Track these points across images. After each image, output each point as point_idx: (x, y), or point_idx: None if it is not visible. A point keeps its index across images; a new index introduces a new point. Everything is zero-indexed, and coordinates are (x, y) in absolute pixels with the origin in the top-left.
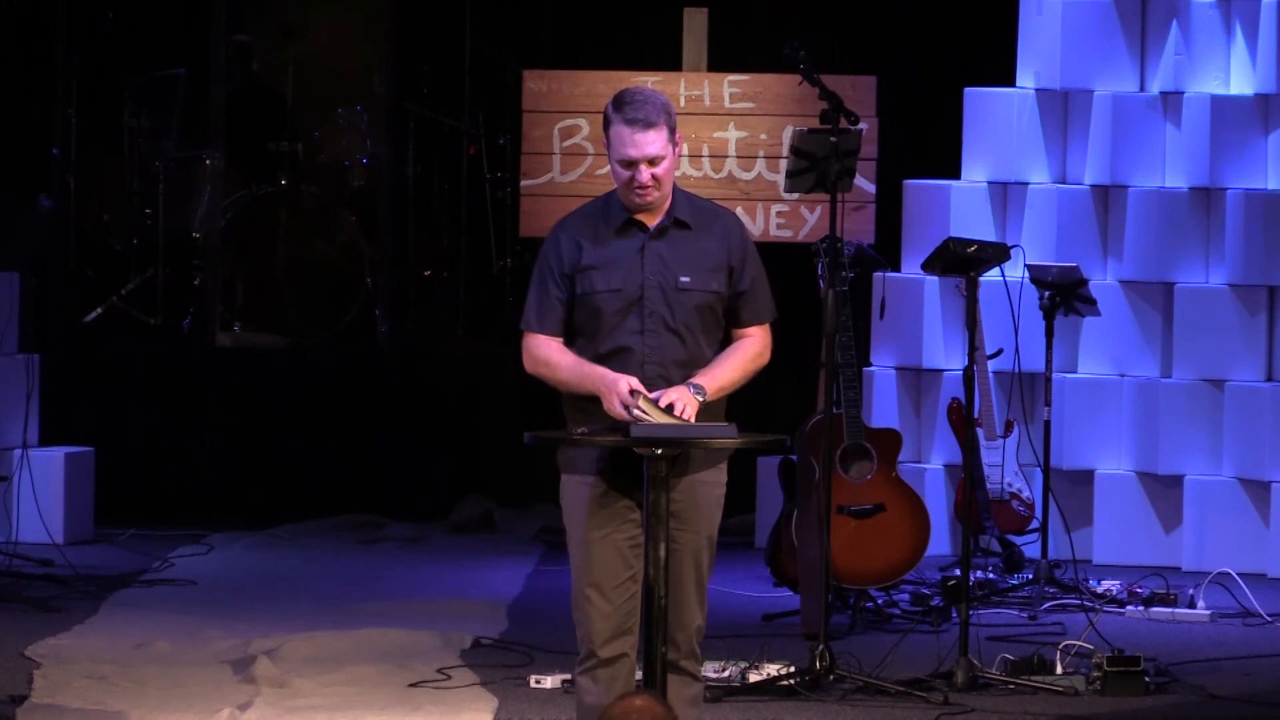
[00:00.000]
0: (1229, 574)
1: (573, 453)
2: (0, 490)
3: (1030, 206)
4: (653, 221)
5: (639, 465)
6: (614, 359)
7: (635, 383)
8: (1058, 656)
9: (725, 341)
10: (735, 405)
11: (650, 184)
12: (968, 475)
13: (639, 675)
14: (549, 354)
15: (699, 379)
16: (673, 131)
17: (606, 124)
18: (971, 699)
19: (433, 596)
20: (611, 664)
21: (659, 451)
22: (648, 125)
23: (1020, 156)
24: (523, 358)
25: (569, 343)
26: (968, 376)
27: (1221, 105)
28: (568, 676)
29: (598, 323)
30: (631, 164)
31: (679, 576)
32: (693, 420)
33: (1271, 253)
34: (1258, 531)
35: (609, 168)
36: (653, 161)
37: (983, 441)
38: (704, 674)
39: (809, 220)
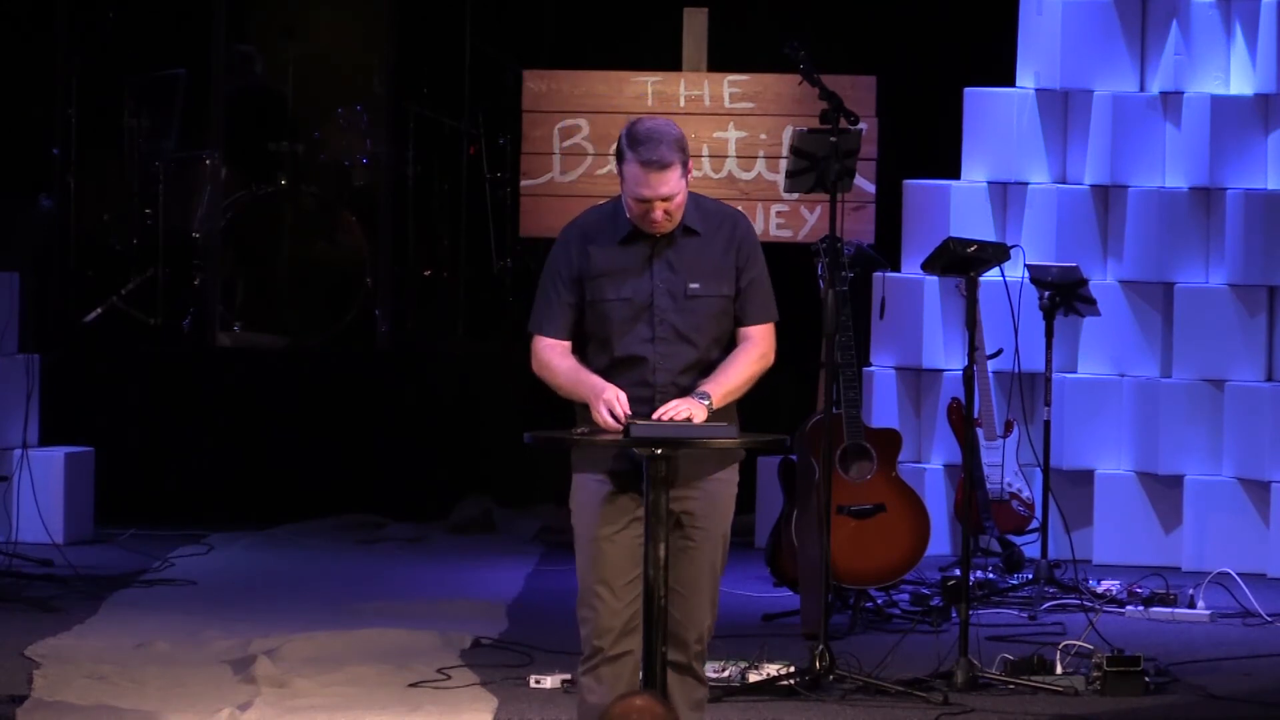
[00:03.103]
0: (1229, 574)
1: (585, 452)
2: (0, 490)
3: (1030, 206)
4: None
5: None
6: (626, 366)
7: (623, 400)
8: (1058, 656)
9: (735, 342)
10: (736, 405)
11: (664, 219)
12: (968, 475)
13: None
14: (550, 358)
15: (705, 386)
16: (686, 164)
17: (620, 157)
18: (971, 699)
19: (433, 596)
20: (617, 661)
21: (659, 451)
22: (663, 166)
23: (1020, 156)
24: (531, 360)
25: (582, 347)
26: (968, 376)
27: (1221, 105)
28: (568, 676)
29: (608, 330)
30: (646, 202)
31: (695, 578)
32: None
33: (1271, 253)
34: (1258, 531)
35: (608, 168)
36: (667, 199)
37: (983, 441)
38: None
39: (809, 220)
